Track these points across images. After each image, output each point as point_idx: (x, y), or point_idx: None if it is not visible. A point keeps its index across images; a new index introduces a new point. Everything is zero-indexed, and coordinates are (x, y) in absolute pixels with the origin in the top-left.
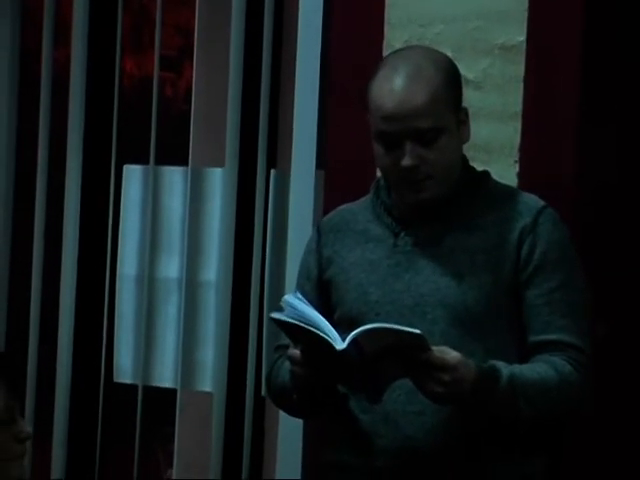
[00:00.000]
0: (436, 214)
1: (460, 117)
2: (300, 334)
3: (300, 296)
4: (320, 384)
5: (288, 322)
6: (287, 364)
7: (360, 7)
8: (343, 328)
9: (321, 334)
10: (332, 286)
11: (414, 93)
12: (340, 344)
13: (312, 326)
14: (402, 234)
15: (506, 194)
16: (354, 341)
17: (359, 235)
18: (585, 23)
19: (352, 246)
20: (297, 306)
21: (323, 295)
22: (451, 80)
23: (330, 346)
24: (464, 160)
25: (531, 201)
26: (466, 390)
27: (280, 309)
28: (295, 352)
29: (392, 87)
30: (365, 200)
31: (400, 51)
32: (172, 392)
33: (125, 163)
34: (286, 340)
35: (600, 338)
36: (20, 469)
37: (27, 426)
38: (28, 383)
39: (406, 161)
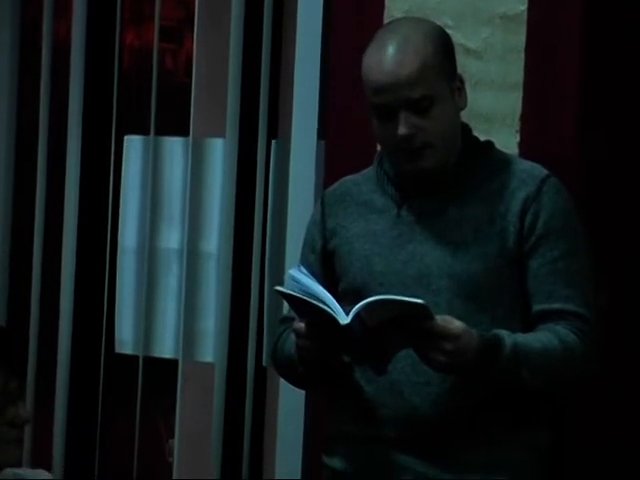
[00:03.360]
0: (439, 184)
1: (455, 85)
2: (305, 308)
3: (304, 270)
4: (325, 356)
5: (293, 295)
6: (292, 337)
7: None
8: (348, 299)
9: (325, 308)
10: (336, 257)
11: (402, 63)
12: (344, 318)
13: (316, 300)
14: (405, 205)
15: (510, 163)
16: (357, 314)
17: (362, 206)
18: None
19: (356, 217)
20: (301, 280)
21: (327, 266)
22: (441, 48)
23: (334, 320)
24: (467, 130)
25: (535, 170)
26: (469, 359)
27: (282, 282)
28: (300, 325)
29: (381, 59)
30: (369, 171)
31: (390, 24)
32: (173, 363)
33: (126, 134)
34: (291, 312)
35: (602, 309)
36: (16, 453)
37: (26, 411)
38: (29, 355)
39: (401, 130)
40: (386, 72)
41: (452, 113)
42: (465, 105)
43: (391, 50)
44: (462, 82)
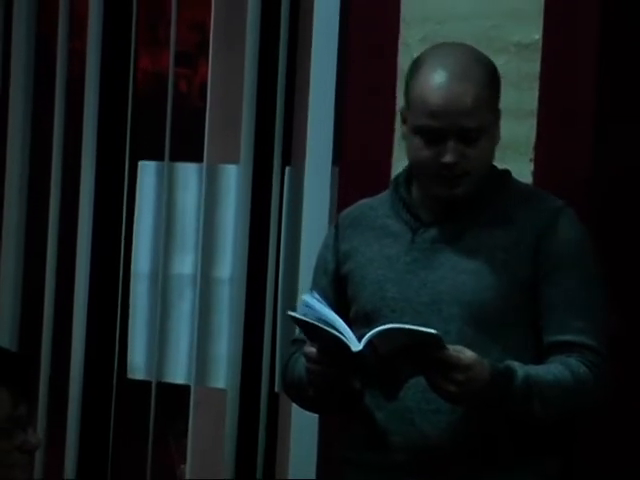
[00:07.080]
0: (456, 211)
1: (497, 118)
2: (316, 333)
3: (317, 296)
4: (336, 381)
5: (305, 321)
6: (303, 360)
7: (376, 4)
8: (358, 324)
9: (337, 334)
10: (349, 281)
11: (464, 92)
12: (356, 345)
13: (328, 326)
14: (420, 231)
15: (526, 193)
16: (370, 342)
17: (377, 230)
18: (601, 21)
19: (370, 241)
20: (314, 305)
21: (339, 290)
22: (494, 81)
23: (346, 346)
24: None
25: (550, 200)
26: (480, 390)
27: (296, 308)
28: (311, 350)
29: (441, 83)
30: (384, 195)
31: (442, 47)
32: (186, 388)
33: (140, 159)
34: (302, 334)
35: (616, 336)
36: (24, 478)
37: (35, 437)
38: (41, 381)
39: (448, 158)
40: (446, 97)
41: (492, 145)
42: (499, 139)
43: (451, 75)
44: (499, 116)
